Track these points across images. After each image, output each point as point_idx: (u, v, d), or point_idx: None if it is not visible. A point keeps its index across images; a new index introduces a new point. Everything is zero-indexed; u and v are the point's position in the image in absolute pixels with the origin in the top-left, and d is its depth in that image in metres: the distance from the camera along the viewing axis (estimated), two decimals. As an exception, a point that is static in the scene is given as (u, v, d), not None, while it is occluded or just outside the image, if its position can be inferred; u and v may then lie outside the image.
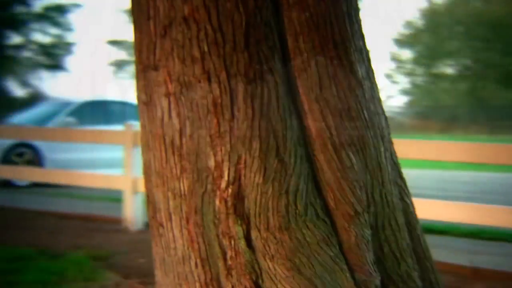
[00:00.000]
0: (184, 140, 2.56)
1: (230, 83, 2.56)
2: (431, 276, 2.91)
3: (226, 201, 2.54)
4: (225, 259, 2.56)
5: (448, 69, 40.66)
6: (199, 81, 2.54)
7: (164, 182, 2.59)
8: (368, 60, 2.84)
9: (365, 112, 2.74)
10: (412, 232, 2.88)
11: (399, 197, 2.85)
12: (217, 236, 2.56)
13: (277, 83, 2.61)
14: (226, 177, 2.54)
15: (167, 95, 2.57)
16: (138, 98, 2.71)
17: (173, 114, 2.56)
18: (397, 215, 2.84)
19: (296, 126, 2.64)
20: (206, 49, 2.54)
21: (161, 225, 2.62)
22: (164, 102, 2.58)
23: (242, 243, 2.53)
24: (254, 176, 2.54)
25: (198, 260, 2.55)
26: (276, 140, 2.57)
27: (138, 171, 7.14)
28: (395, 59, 44.28)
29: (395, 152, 2.92)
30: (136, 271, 5.16)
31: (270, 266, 2.53)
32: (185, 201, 2.56)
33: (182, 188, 2.57)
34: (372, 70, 2.85)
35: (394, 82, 44.23)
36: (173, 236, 2.60)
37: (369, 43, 2.90)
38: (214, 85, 2.54)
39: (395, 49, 55.99)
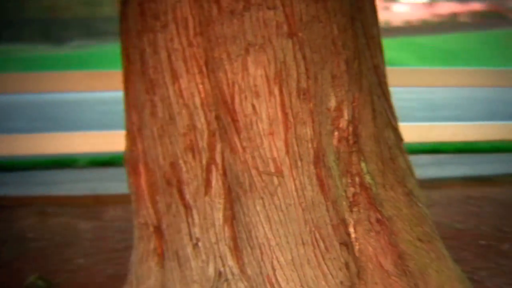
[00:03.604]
0: (310, 82, 2.59)
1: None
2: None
3: (347, 140, 2.75)
4: (347, 197, 2.72)
5: None
6: (321, 21, 2.60)
7: (287, 128, 2.59)
8: None
9: None
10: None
11: None
12: (339, 175, 2.69)
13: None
14: (346, 116, 2.74)
15: (290, 35, 2.55)
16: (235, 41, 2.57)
17: (298, 55, 2.59)
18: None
19: None
20: None
21: (280, 175, 2.59)
22: (286, 44, 2.57)
23: (369, 178, 2.75)
24: (367, 113, 2.77)
25: (330, 203, 2.66)
26: (376, 76, 2.82)
27: None
28: None
29: None
30: None
31: (392, 195, 2.81)
32: (312, 145, 2.62)
33: (309, 132, 2.60)
34: None
35: None
36: (300, 182, 2.62)
37: None
38: (334, 26, 2.64)
39: None
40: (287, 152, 2.64)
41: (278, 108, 2.62)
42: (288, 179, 2.66)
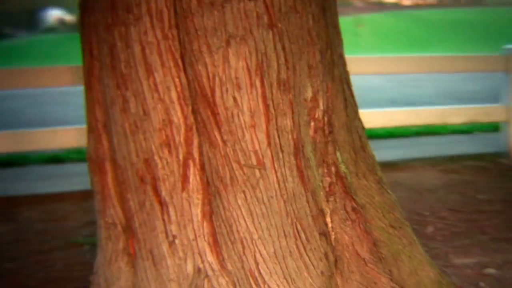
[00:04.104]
0: (289, 73, 2.61)
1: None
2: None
3: (323, 130, 2.80)
4: (323, 187, 2.76)
5: None
6: (298, 12, 2.63)
7: (269, 120, 2.60)
8: None
9: None
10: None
11: None
12: (316, 166, 2.73)
13: None
14: (321, 107, 2.77)
15: (270, 26, 2.56)
16: (214, 33, 2.54)
17: (278, 46, 2.60)
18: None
19: None
20: None
21: (262, 167, 2.59)
22: (267, 35, 2.58)
23: (343, 167, 2.79)
24: (340, 102, 2.81)
25: (309, 194, 2.69)
26: (342, 65, 2.87)
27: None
28: None
29: None
30: None
31: (365, 183, 2.87)
32: (292, 136, 2.65)
33: (289, 123, 2.63)
34: None
35: None
36: (282, 174, 2.63)
37: None
38: (309, 16, 2.68)
39: None
40: (269, 144, 2.63)
41: (260, 100, 2.61)
42: (270, 172, 2.65)
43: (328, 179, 2.84)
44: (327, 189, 2.84)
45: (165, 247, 2.77)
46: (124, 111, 2.73)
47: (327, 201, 2.83)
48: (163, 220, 2.76)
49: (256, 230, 2.66)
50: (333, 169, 2.84)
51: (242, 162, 2.63)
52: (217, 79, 2.59)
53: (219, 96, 2.60)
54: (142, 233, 2.81)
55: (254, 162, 2.63)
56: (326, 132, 2.82)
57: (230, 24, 2.58)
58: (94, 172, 2.95)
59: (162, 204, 2.75)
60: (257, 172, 2.64)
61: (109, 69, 2.75)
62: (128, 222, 2.86)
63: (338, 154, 2.86)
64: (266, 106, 2.62)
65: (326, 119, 2.81)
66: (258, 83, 2.60)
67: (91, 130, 2.94)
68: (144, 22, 2.65)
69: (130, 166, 2.78)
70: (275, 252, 2.68)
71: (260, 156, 2.64)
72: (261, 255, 2.68)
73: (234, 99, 2.59)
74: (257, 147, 2.63)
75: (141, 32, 2.65)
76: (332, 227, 2.84)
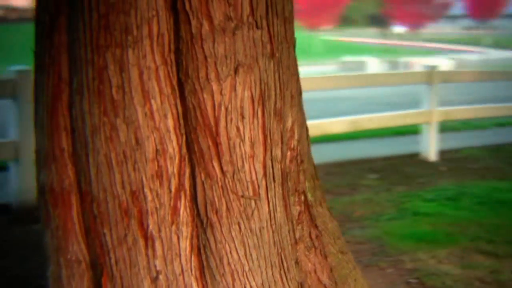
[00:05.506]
0: (281, 102, 2.71)
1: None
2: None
3: (297, 159, 2.88)
4: (294, 216, 2.88)
5: None
6: (287, 42, 2.76)
7: (266, 150, 2.65)
8: None
9: None
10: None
11: None
12: (291, 194, 2.84)
13: None
14: (296, 136, 2.87)
15: (271, 56, 2.64)
16: (222, 61, 2.53)
17: (276, 76, 2.69)
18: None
19: None
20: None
21: (258, 198, 2.64)
22: (269, 64, 2.65)
23: (310, 196, 2.92)
24: (304, 132, 2.96)
25: (290, 223, 2.80)
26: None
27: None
28: None
29: None
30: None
31: (321, 210, 3.02)
32: (280, 166, 2.74)
33: (279, 153, 2.72)
34: None
35: None
36: (273, 204, 2.69)
37: None
38: (292, 46, 2.81)
39: None
40: (264, 174, 2.63)
41: (259, 130, 2.60)
42: (263, 202, 2.64)
43: (298, 207, 2.88)
44: (297, 217, 2.87)
45: (146, 283, 2.61)
46: (111, 140, 2.54)
47: (296, 229, 2.87)
48: (147, 255, 2.60)
49: (247, 262, 2.63)
50: (302, 197, 2.89)
51: (240, 193, 2.58)
52: (222, 108, 2.52)
53: (223, 125, 2.53)
54: (119, 270, 2.62)
55: (251, 193, 2.60)
56: (299, 161, 2.86)
57: (240, 52, 2.53)
58: (54, 205, 2.68)
59: (147, 238, 2.59)
60: (252, 202, 2.61)
61: (94, 94, 2.53)
62: (100, 259, 2.64)
63: (307, 183, 2.91)
64: (265, 136, 2.61)
65: (299, 148, 2.85)
66: (260, 113, 2.58)
67: (54, 160, 2.67)
68: (144, 45, 2.49)
69: (111, 199, 2.58)
70: (262, 283, 2.66)
71: (256, 187, 2.61)
72: (250, 286, 2.64)
73: (237, 129, 2.55)
74: (254, 177, 2.60)
75: (140, 56, 2.49)
76: (298, 255, 2.88)
